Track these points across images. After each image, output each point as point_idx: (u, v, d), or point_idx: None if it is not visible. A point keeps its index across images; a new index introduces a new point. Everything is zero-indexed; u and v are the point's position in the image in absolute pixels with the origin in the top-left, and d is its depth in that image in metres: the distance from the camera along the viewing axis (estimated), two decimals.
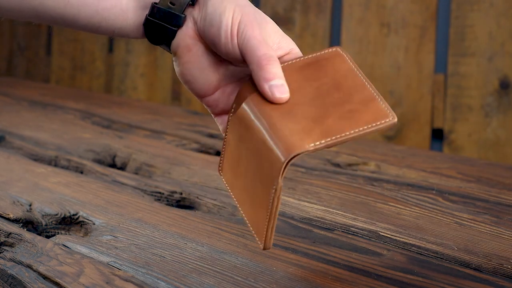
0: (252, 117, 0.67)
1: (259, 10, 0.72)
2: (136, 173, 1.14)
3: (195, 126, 1.50)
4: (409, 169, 1.13)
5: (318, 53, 0.71)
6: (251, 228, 0.66)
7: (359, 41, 1.83)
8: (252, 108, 0.68)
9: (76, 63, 2.47)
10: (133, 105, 1.84)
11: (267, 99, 0.67)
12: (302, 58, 0.70)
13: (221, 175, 0.71)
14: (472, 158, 1.30)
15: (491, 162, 1.24)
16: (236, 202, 0.69)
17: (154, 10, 0.71)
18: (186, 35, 0.72)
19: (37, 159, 1.21)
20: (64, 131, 1.43)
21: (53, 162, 1.20)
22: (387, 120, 0.63)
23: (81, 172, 1.14)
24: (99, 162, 1.21)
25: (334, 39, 1.88)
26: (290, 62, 0.70)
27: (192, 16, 0.72)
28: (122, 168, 1.19)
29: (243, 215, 0.68)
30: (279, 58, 0.69)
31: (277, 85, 0.66)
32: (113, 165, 1.21)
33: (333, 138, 0.63)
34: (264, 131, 0.65)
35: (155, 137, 1.38)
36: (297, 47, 0.71)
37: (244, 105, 0.68)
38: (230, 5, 0.70)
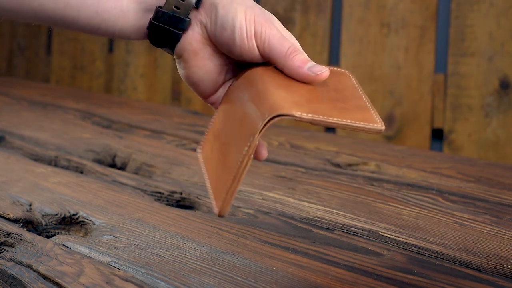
0: (244, 87, 0.69)
1: (264, 9, 0.73)
2: (136, 173, 1.15)
3: (195, 126, 1.50)
4: (409, 169, 1.13)
5: (329, 67, 0.72)
6: (211, 196, 0.65)
7: (359, 41, 1.83)
8: (246, 80, 0.69)
9: (76, 63, 2.47)
10: (133, 105, 1.84)
11: (309, 82, 0.68)
12: None
13: (198, 152, 0.72)
14: (472, 158, 1.30)
15: (491, 162, 1.24)
16: (206, 175, 0.68)
17: (159, 14, 0.71)
18: (192, 39, 0.72)
19: (37, 159, 1.21)
20: (64, 131, 1.43)
21: (53, 162, 1.20)
22: (375, 125, 0.65)
23: (81, 172, 1.14)
24: (99, 162, 1.21)
25: (334, 39, 1.88)
26: None
27: (199, 20, 0.71)
28: (122, 168, 1.19)
29: (208, 185, 0.67)
30: None
31: (314, 66, 0.69)
32: (113, 165, 1.21)
33: (320, 117, 0.64)
34: (255, 94, 0.66)
35: (155, 137, 1.38)
36: (297, 42, 0.73)
37: (237, 80, 0.70)
38: (241, 7, 0.70)
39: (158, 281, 0.67)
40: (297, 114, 0.63)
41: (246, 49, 0.70)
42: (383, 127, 0.65)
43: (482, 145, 1.66)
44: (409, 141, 1.75)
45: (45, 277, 0.69)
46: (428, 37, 1.73)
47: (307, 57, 0.70)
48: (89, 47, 2.42)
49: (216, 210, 0.63)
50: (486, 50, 1.65)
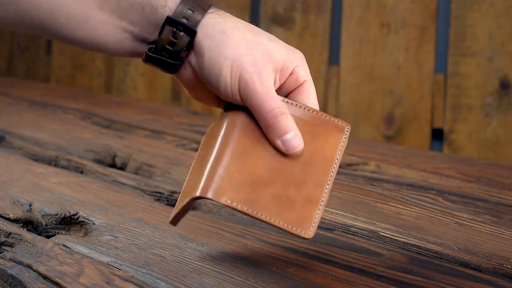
0: (213, 133, 0.71)
1: (260, 40, 0.69)
2: (136, 173, 1.15)
3: (195, 126, 1.50)
4: (409, 169, 1.13)
5: (327, 117, 0.72)
6: (178, 200, 0.71)
7: (359, 41, 1.83)
8: (217, 128, 0.71)
9: (76, 62, 2.47)
10: (133, 105, 1.84)
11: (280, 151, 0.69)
12: (309, 112, 0.71)
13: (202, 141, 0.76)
14: (472, 158, 1.30)
15: (491, 162, 1.24)
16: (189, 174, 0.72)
17: (149, 56, 0.71)
18: (186, 76, 0.72)
19: (37, 159, 1.21)
20: (64, 131, 1.43)
21: (53, 162, 1.20)
22: (302, 232, 0.67)
23: (81, 172, 1.14)
24: (99, 162, 1.21)
25: (334, 39, 1.88)
26: (296, 107, 0.71)
27: (189, 62, 0.71)
28: (122, 168, 1.19)
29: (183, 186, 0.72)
30: (285, 82, 0.70)
31: (290, 140, 0.68)
32: (113, 165, 1.21)
33: (249, 211, 0.66)
34: (210, 153, 0.68)
35: (155, 137, 1.38)
36: (303, 62, 0.71)
37: (228, 113, 0.71)
38: (227, 61, 0.68)
39: (158, 281, 0.67)
40: (226, 202, 0.66)
41: (230, 99, 0.70)
42: (310, 236, 0.67)
43: (482, 145, 1.66)
44: (409, 141, 1.75)
45: (45, 277, 0.69)
46: (428, 37, 1.73)
47: (289, 124, 0.68)
48: None
49: (171, 216, 0.71)
50: (486, 50, 1.65)
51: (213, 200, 0.65)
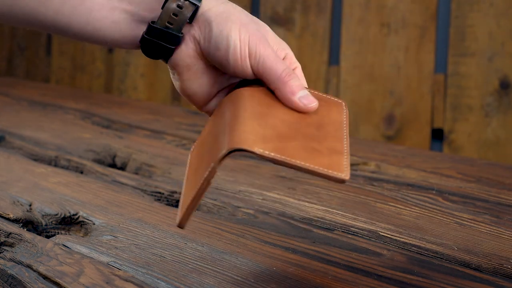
0: (227, 106, 0.69)
1: (257, 20, 0.72)
2: (136, 173, 1.14)
3: (195, 126, 1.50)
4: (409, 169, 1.13)
5: (325, 95, 0.73)
6: (180, 204, 0.66)
7: (359, 41, 1.83)
8: (231, 99, 0.69)
9: (76, 63, 2.47)
10: (133, 105, 1.84)
11: (296, 110, 0.69)
12: (308, 89, 0.71)
13: (190, 151, 0.73)
14: (472, 158, 1.30)
15: (491, 162, 1.24)
16: (184, 180, 0.69)
17: (151, 29, 0.70)
18: (185, 54, 0.71)
19: (37, 159, 1.21)
20: (64, 131, 1.43)
21: (53, 162, 1.20)
22: (339, 174, 0.63)
23: (81, 172, 1.14)
24: (99, 162, 1.21)
25: (334, 39, 1.88)
26: None
27: (193, 36, 0.70)
28: (122, 168, 1.19)
29: (182, 188, 0.68)
30: None
31: (305, 96, 0.69)
32: (113, 165, 1.21)
33: (283, 157, 0.63)
34: (231, 118, 0.66)
35: (155, 137, 1.38)
36: (291, 51, 0.73)
37: (226, 96, 0.70)
38: (235, 25, 0.69)
39: (158, 281, 0.67)
40: (259, 151, 0.62)
41: (239, 69, 0.69)
42: (347, 177, 0.64)
43: (482, 145, 1.66)
44: (409, 141, 1.75)
45: (45, 277, 0.69)
46: (428, 37, 1.73)
47: (301, 83, 0.69)
48: (89, 47, 2.42)
49: (176, 221, 0.65)
50: (486, 50, 1.65)
51: (246, 150, 0.62)
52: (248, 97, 0.69)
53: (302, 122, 0.68)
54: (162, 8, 0.69)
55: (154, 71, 2.22)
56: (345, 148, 0.67)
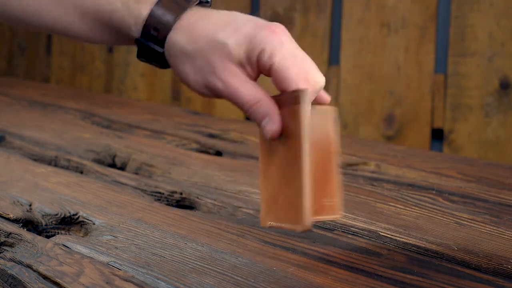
0: (294, 152, 0.69)
1: (218, 27, 0.70)
2: (136, 173, 1.15)
3: (195, 126, 1.50)
4: (409, 169, 1.13)
5: (287, 95, 0.70)
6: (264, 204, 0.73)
7: (359, 41, 1.83)
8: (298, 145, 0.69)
9: (76, 63, 2.47)
10: (133, 105, 1.84)
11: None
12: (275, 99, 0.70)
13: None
14: (472, 158, 1.30)
15: (491, 162, 1.24)
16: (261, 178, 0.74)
17: (138, 45, 0.73)
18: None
19: (37, 159, 1.21)
20: (64, 131, 1.43)
21: (53, 162, 1.20)
22: (298, 226, 0.68)
23: (81, 172, 1.14)
24: (99, 162, 1.21)
25: (334, 39, 1.88)
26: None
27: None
28: (122, 168, 1.19)
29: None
30: (258, 70, 0.70)
31: (264, 125, 0.68)
32: (113, 165, 1.21)
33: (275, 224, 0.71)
34: (299, 186, 0.68)
35: (155, 137, 1.38)
36: (270, 40, 0.69)
37: (294, 122, 0.69)
38: (188, 65, 0.70)
39: (158, 281, 0.67)
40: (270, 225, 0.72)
41: (210, 96, 0.72)
42: (307, 227, 0.67)
43: (482, 145, 1.66)
44: (409, 141, 1.75)
45: (45, 277, 0.69)
46: (428, 37, 1.73)
47: (264, 110, 0.68)
48: (89, 47, 2.42)
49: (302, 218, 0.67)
50: (486, 50, 1.65)
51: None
52: (310, 157, 0.69)
53: (279, 156, 0.70)
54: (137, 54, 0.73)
55: (154, 71, 2.23)
56: (303, 182, 0.67)
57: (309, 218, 0.66)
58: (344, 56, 1.85)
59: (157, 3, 0.71)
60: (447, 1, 1.71)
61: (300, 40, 1.92)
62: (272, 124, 0.68)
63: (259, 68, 0.69)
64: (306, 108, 0.67)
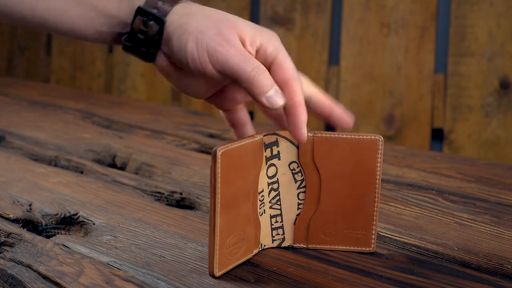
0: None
1: (222, 18, 0.70)
2: (136, 173, 1.14)
3: (195, 126, 1.50)
4: (409, 169, 1.13)
5: (356, 135, 0.75)
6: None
7: (359, 41, 1.83)
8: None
9: (76, 63, 2.47)
10: (133, 105, 1.84)
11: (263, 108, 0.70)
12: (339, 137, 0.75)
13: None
14: (472, 158, 1.30)
15: (491, 162, 1.24)
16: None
17: (126, 45, 0.74)
18: (162, 65, 0.74)
19: (37, 159, 1.21)
20: (64, 131, 1.43)
21: (53, 162, 1.20)
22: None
23: (81, 172, 1.14)
24: (99, 162, 1.21)
25: (334, 39, 1.88)
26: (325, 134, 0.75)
27: (162, 51, 0.73)
28: (122, 168, 1.19)
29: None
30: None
31: (272, 96, 0.67)
32: (113, 165, 1.21)
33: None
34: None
35: (155, 137, 1.38)
36: (272, 40, 0.70)
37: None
38: (191, 36, 0.69)
39: (158, 281, 0.67)
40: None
41: (208, 76, 0.69)
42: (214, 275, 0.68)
43: (482, 145, 1.66)
44: (409, 141, 1.75)
45: (45, 277, 0.69)
46: (428, 37, 1.73)
47: (270, 81, 0.67)
48: (89, 47, 2.42)
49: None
50: (486, 50, 1.65)
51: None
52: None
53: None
54: (131, 24, 0.73)
55: (154, 71, 2.22)
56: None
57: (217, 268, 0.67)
58: (344, 56, 1.85)
59: None
60: (447, 1, 1.71)
61: (300, 40, 1.93)
62: (280, 97, 0.67)
63: (257, 56, 0.70)
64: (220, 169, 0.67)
